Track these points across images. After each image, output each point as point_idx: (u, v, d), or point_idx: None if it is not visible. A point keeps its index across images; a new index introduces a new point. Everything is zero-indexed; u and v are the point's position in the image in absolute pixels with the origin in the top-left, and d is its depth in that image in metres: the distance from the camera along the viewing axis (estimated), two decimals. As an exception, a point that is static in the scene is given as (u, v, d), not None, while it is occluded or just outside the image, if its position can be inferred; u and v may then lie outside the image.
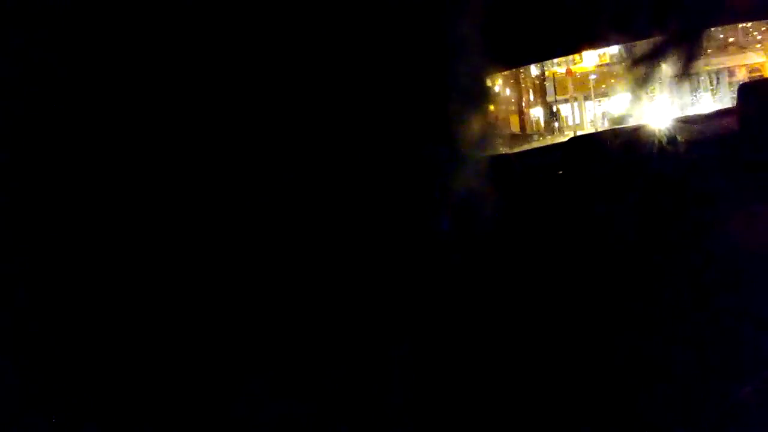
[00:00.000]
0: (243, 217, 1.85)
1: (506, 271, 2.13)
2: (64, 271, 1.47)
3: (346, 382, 1.73)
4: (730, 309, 1.79)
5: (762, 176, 1.98)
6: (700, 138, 2.43)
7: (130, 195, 1.65)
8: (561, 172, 2.64)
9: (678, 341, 1.80)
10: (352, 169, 2.06)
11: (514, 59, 3.36)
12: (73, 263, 1.48)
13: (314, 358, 1.76)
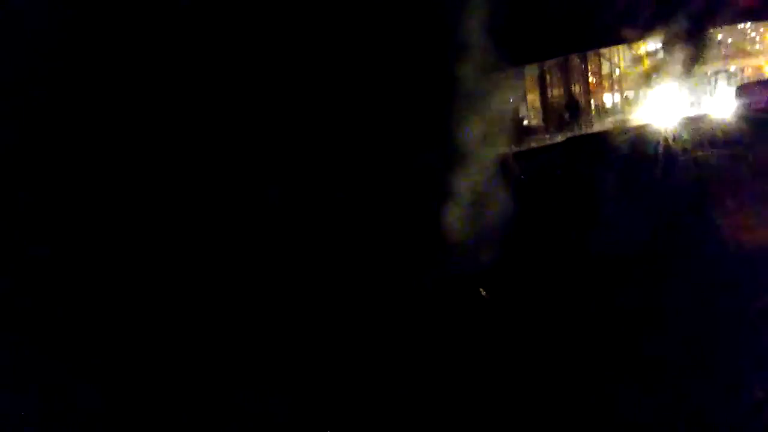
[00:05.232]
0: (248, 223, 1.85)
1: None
2: (59, 272, 1.46)
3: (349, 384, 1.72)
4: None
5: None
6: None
7: (134, 197, 1.64)
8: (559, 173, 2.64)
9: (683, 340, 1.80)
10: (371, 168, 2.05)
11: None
12: (69, 264, 1.47)
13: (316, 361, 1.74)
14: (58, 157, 1.52)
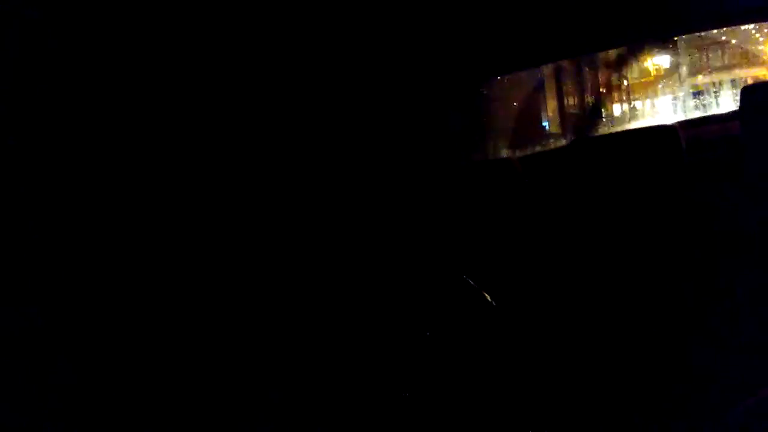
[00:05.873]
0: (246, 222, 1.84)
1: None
2: (56, 270, 1.46)
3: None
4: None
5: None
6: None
7: (129, 196, 1.64)
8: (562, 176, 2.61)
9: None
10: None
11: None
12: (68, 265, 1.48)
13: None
14: (58, 155, 1.53)
